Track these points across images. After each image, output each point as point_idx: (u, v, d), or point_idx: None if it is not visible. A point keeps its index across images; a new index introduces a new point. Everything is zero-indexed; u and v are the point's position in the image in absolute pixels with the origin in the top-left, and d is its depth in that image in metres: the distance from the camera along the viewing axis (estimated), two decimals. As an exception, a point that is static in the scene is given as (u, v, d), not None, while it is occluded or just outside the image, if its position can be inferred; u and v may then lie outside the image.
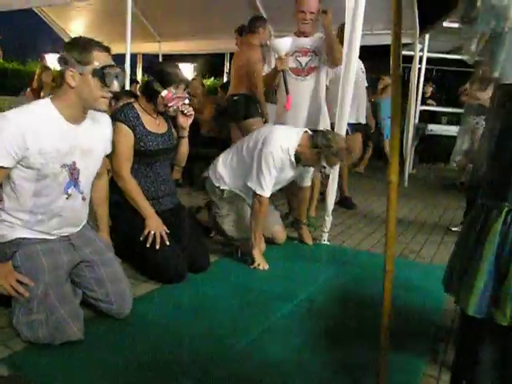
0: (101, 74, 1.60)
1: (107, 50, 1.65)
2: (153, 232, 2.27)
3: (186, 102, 2.40)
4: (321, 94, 3.18)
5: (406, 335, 1.49)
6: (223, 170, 2.73)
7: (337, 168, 2.96)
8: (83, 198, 1.81)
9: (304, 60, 3.10)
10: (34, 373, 1.50)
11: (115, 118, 2.32)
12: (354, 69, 2.81)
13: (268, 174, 2.54)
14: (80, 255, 1.83)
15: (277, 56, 3.09)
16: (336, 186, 3.05)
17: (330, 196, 3.01)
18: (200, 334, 1.81)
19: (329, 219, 3.03)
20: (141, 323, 1.87)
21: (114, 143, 2.28)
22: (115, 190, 2.40)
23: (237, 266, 2.58)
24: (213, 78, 10.49)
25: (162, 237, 2.28)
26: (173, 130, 2.56)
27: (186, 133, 2.54)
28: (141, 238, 2.26)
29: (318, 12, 2.99)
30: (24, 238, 1.70)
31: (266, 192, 2.56)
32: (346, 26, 2.76)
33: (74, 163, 1.72)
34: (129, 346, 1.69)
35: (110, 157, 2.27)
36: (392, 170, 1.10)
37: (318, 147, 2.53)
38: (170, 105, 2.32)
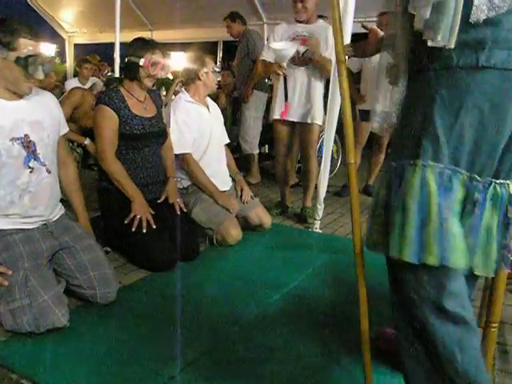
0: (23, 63, 1.62)
1: (36, 36, 1.66)
2: (139, 216, 2.25)
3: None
4: (314, 87, 3.09)
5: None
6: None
7: (328, 156, 2.93)
8: (48, 171, 1.80)
9: (302, 49, 3.03)
10: (17, 363, 1.48)
11: (99, 101, 2.30)
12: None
13: (176, 130, 2.65)
14: (59, 242, 1.82)
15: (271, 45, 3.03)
16: (327, 173, 3.01)
17: (322, 184, 2.97)
18: (189, 322, 1.79)
19: (321, 207, 3.01)
20: (127, 311, 1.85)
21: (97, 126, 2.29)
22: (103, 176, 2.38)
23: (226, 255, 2.55)
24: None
25: (148, 221, 2.25)
26: (162, 113, 2.53)
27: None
28: (125, 222, 2.23)
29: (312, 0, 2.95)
30: (1, 230, 1.70)
31: (182, 149, 2.67)
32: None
33: (27, 136, 1.72)
34: (115, 335, 1.67)
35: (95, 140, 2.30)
36: (349, 153, 1.20)
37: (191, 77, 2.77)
38: (153, 73, 2.31)
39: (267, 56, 3.16)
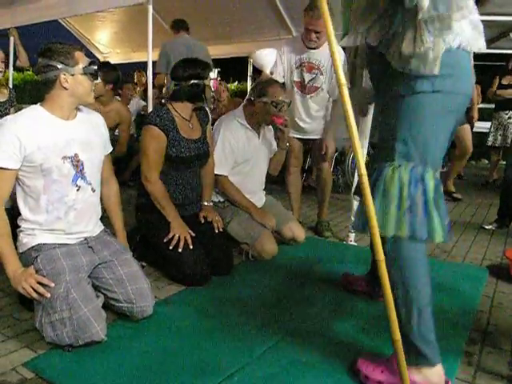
0: (91, 71, 1.78)
1: (81, 49, 1.81)
2: (177, 235, 2.26)
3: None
4: (324, 109, 3.11)
5: (438, 337, 1.44)
6: None
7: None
8: (93, 190, 1.87)
9: (307, 77, 3.02)
10: (56, 375, 1.50)
11: (149, 120, 2.32)
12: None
13: (220, 150, 2.63)
14: (99, 257, 1.86)
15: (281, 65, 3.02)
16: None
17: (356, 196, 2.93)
18: (223, 337, 1.78)
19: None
20: (163, 326, 1.85)
21: (144, 146, 2.33)
22: (142, 193, 2.42)
23: (262, 269, 2.53)
24: (236, 83, 10.52)
25: (186, 240, 2.27)
26: (207, 134, 2.54)
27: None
28: (164, 240, 2.25)
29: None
30: (45, 244, 1.76)
31: (221, 170, 2.64)
32: None
33: (76, 155, 1.79)
34: (151, 349, 1.67)
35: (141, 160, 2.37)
36: (360, 164, 1.30)
37: (250, 98, 2.66)
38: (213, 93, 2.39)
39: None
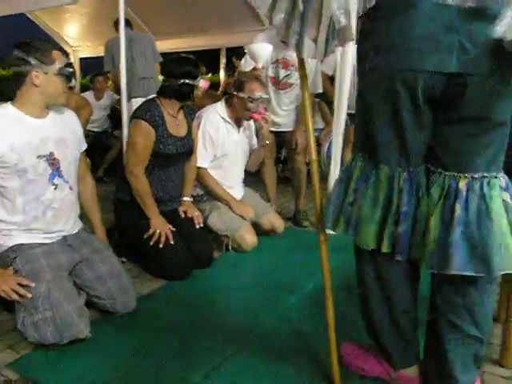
0: (66, 73, 1.74)
1: (61, 49, 1.80)
2: (158, 231, 2.27)
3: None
4: (298, 102, 3.19)
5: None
6: None
7: (338, 157, 2.94)
8: (70, 188, 1.86)
9: (282, 73, 3.06)
10: (42, 375, 1.50)
11: (138, 114, 2.30)
12: (349, 60, 2.78)
13: (201, 142, 2.62)
14: (79, 255, 1.86)
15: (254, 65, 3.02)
16: (337, 174, 3.03)
17: (331, 185, 2.98)
18: (208, 329, 1.80)
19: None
20: (146, 321, 1.87)
21: (132, 140, 2.32)
22: (121, 188, 2.41)
23: (242, 261, 2.56)
24: (210, 74, 10.42)
25: (166, 236, 2.27)
26: (192, 132, 2.53)
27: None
28: (145, 237, 2.25)
29: None
30: (23, 244, 1.74)
31: (201, 162, 2.65)
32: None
33: (52, 154, 1.77)
34: (135, 344, 1.69)
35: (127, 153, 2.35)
36: (311, 151, 1.38)
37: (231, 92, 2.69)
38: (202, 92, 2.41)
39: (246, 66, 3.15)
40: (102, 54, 6.65)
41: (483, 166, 1.15)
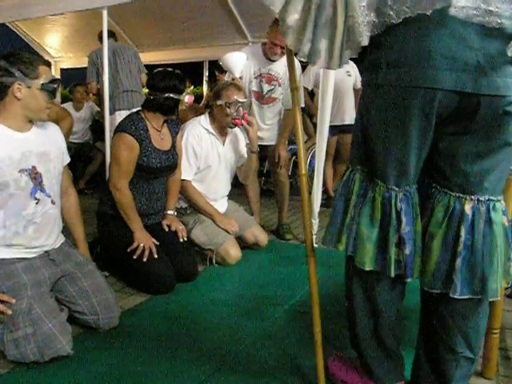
0: (49, 88, 1.71)
1: (49, 64, 1.77)
2: (142, 245, 2.25)
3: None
4: (277, 120, 3.24)
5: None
6: None
7: (321, 170, 2.97)
8: (52, 202, 1.82)
9: (266, 87, 3.10)
10: (22, 394, 1.47)
11: (123, 128, 2.29)
12: (332, 74, 2.83)
13: (184, 154, 2.61)
14: (61, 269, 1.82)
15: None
16: (321, 187, 3.06)
17: (316, 198, 3.01)
18: (193, 344, 1.78)
19: (316, 222, 3.04)
20: (130, 336, 1.84)
21: (116, 154, 2.29)
22: (104, 201, 2.39)
23: (226, 274, 2.55)
24: (192, 87, 10.44)
25: (150, 249, 2.25)
26: (176, 146, 2.52)
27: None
28: (128, 250, 2.23)
29: None
30: (3, 259, 1.70)
31: (185, 175, 2.64)
32: None
33: (34, 168, 1.73)
34: (119, 360, 1.66)
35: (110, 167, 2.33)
36: (301, 166, 1.38)
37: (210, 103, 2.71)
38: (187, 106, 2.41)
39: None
40: (85, 65, 6.62)
41: (489, 189, 1.15)
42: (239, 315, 2.04)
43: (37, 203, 1.75)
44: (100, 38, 4.31)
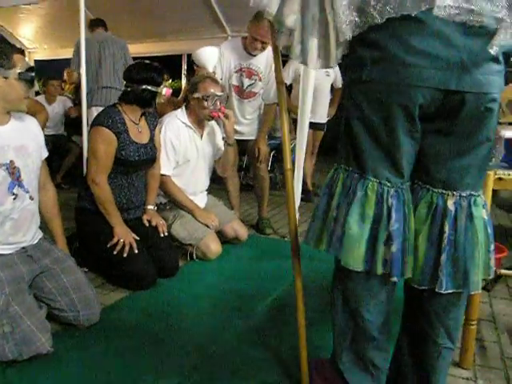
0: (27, 78, 1.66)
1: (22, 52, 1.68)
2: (122, 240, 2.22)
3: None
4: (260, 111, 3.25)
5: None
6: None
7: (301, 164, 2.99)
8: (31, 198, 1.77)
9: (246, 82, 3.08)
10: (0, 394, 1.44)
11: (99, 121, 2.24)
12: (312, 72, 2.85)
13: (163, 148, 2.59)
14: (39, 265, 1.78)
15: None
16: (300, 182, 3.08)
17: (297, 193, 3.03)
18: (174, 339, 1.77)
19: (296, 216, 3.05)
20: (111, 332, 1.82)
21: (94, 148, 2.25)
22: (83, 196, 2.35)
23: (207, 269, 2.54)
24: (170, 80, 10.32)
25: (130, 245, 2.23)
26: (155, 139, 2.49)
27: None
28: (108, 246, 2.20)
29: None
30: None
31: (164, 170, 2.61)
32: None
33: (12, 162, 1.69)
34: (99, 357, 1.64)
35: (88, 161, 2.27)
36: (286, 160, 1.43)
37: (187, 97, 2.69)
38: (165, 100, 2.40)
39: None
40: (59, 57, 6.49)
41: (471, 184, 1.17)
42: (221, 310, 2.04)
43: (14, 199, 1.70)
44: (90, 27, 4.20)
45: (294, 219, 1.47)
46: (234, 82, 3.08)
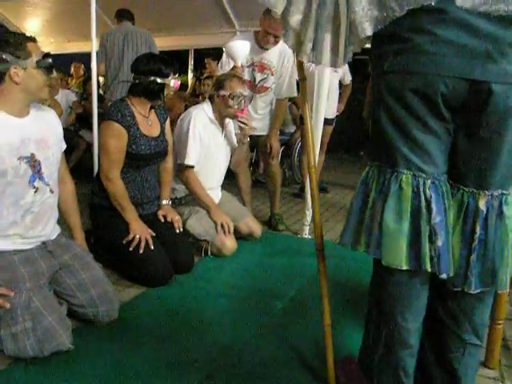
0: (45, 65, 1.63)
1: (34, 40, 1.67)
2: (138, 236, 2.19)
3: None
4: (269, 110, 3.22)
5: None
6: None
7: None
8: (51, 191, 1.75)
9: (258, 76, 3.05)
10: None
11: (109, 116, 2.21)
12: (328, 69, 2.83)
13: (192, 139, 2.56)
14: (59, 261, 1.76)
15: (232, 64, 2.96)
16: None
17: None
18: (192, 337, 1.75)
19: (309, 212, 3.02)
20: (129, 330, 1.79)
21: (105, 143, 2.21)
22: (96, 192, 2.32)
23: (222, 266, 2.52)
24: (177, 75, 10.31)
25: (146, 241, 2.20)
26: (166, 132, 2.46)
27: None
28: (124, 242, 2.17)
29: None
30: (0, 251, 1.62)
31: (189, 160, 2.57)
32: None
33: (33, 155, 1.66)
34: (118, 355, 1.62)
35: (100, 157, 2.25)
36: (310, 158, 1.41)
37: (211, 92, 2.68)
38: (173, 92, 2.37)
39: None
40: (65, 51, 6.45)
41: (502, 183, 1.14)
42: (238, 308, 2.02)
43: (35, 192, 1.68)
44: (116, 18, 4.17)
45: (319, 221, 1.44)
46: (246, 76, 3.04)
